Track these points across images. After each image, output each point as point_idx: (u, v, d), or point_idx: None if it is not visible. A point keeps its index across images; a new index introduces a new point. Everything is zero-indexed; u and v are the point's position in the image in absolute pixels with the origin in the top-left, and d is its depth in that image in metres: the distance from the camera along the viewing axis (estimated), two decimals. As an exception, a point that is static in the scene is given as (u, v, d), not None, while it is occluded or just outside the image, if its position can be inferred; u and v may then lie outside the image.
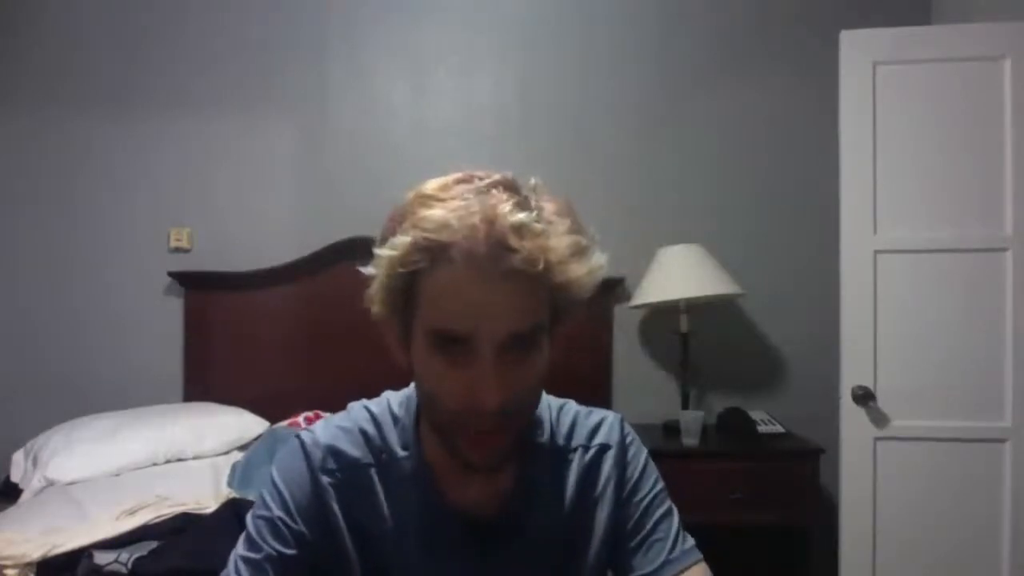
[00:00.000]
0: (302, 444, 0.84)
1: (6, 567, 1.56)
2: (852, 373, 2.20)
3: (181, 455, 2.31)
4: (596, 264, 0.72)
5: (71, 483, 2.10)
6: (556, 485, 0.86)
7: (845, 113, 2.22)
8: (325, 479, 0.81)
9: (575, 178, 2.83)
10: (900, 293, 2.18)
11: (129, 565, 1.56)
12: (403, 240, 0.69)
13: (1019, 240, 2.11)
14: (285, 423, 2.43)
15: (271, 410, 2.55)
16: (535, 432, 0.86)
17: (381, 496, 0.82)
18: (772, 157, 2.85)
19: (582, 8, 2.88)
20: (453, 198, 0.69)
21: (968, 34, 2.21)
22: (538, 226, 0.68)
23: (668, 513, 0.88)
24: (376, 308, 0.74)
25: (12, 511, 1.99)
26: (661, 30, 2.87)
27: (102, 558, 1.59)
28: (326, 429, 0.85)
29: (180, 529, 1.75)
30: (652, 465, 0.91)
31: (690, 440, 2.44)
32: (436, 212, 0.68)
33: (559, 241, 0.69)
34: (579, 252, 0.71)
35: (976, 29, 2.23)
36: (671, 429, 2.56)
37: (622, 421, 0.92)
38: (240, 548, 0.81)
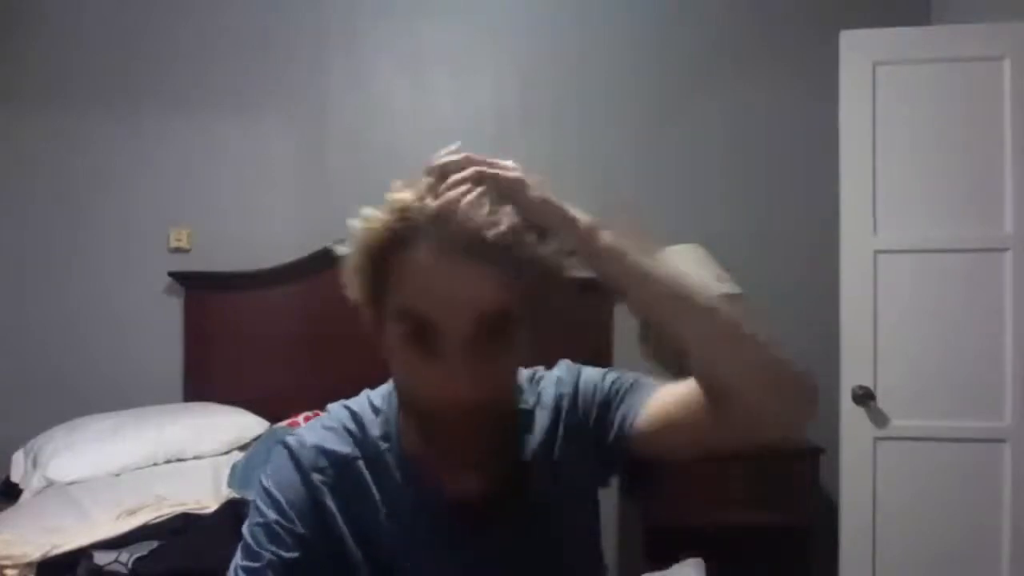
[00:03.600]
0: (288, 448, 0.83)
1: (6, 567, 1.56)
2: (852, 373, 2.20)
3: (181, 455, 2.31)
4: (563, 249, 0.73)
5: (71, 483, 2.10)
6: (532, 451, 0.85)
7: (845, 113, 2.22)
8: (317, 477, 0.80)
9: (575, 178, 2.82)
10: (900, 293, 2.18)
11: (129, 565, 1.57)
12: (376, 215, 0.71)
13: (1019, 240, 2.12)
14: (285, 423, 2.43)
15: (271, 410, 2.54)
16: (520, 400, 0.87)
17: (373, 488, 0.81)
18: (772, 157, 2.84)
19: (582, 8, 2.87)
20: (428, 185, 0.72)
21: (968, 34, 2.22)
22: (508, 207, 0.70)
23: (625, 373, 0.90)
24: (351, 290, 0.76)
25: (12, 511, 1.99)
26: (660, 31, 2.87)
27: (102, 558, 1.59)
28: (311, 431, 0.85)
29: (180, 529, 1.75)
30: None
31: (690, 440, 2.43)
32: (410, 194, 0.71)
33: (527, 221, 0.71)
34: (545, 232, 0.72)
35: (976, 29, 2.23)
36: (671, 429, 2.55)
37: (571, 364, 0.93)
38: (239, 559, 0.79)
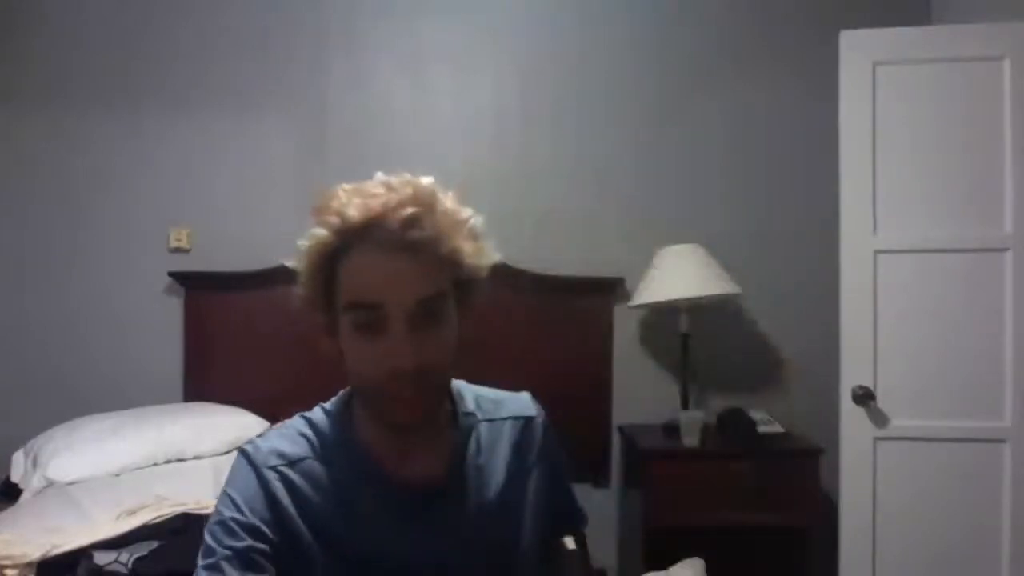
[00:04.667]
0: (245, 453, 0.90)
1: (6, 567, 1.56)
2: (852, 373, 2.20)
3: (181, 455, 2.31)
4: (485, 246, 0.88)
5: (71, 483, 2.10)
6: (490, 451, 0.96)
7: (845, 113, 2.22)
8: (271, 475, 0.87)
9: (575, 178, 2.83)
10: (900, 293, 2.18)
11: (129, 565, 1.57)
12: (321, 231, 0.83)
13: (1019, 240, 2.12)
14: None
15: (271, 410, 2.54)
16: (460, 405, 0.97)
17: (326, 482, 0.88)
18: (772, 157, 2.84)
19: (582, 8, 2.87)
20: (365, 192, 0.83)
21: (968, 34, 2.22)
22: (439, 210, 0.84)
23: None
24: (304, 298, 0.87)
25: (12, 511, 2.00)
26: (660, 31, 2.87)
27: (102, 558, 1.59)
28: (266, 437, 0.93)
29: (180, 529, 1.75)
30: None
31: (690, 440, 2.44)
32: (351, 200, 0.82)
33: (452, 221, 0.85)
34: (468, 230, 0.86)
35: (976, 29, 2.23)
36: (671, 429, 2.56)
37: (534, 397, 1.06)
38: (199, 560, 0.83)
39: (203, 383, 2.72)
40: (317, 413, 0.95)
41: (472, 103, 2.86)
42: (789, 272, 2.78)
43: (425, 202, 0.83)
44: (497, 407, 1.00)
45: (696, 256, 2.57)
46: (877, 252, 2.19)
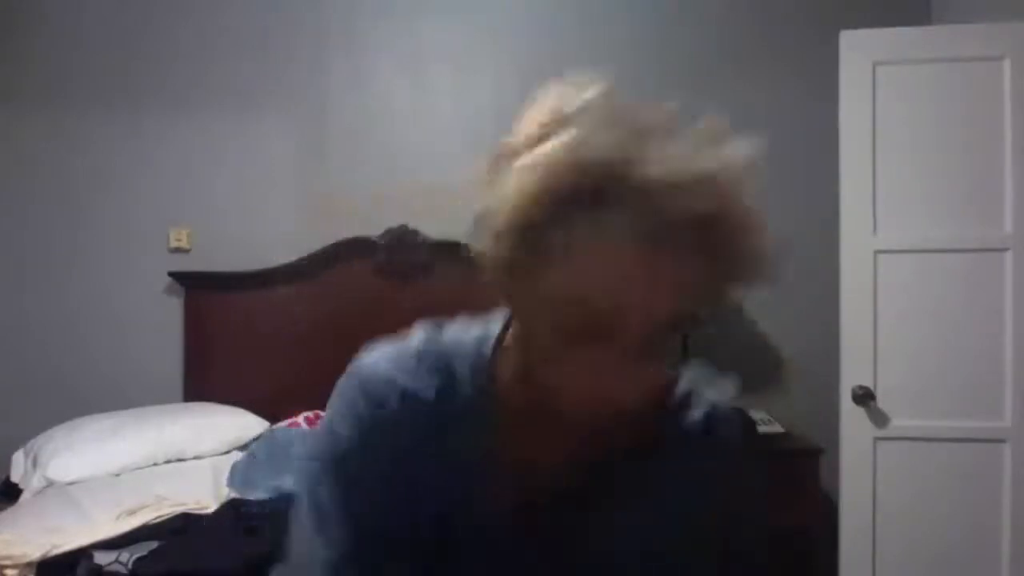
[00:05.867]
0: (358, 377, 0.71)
1: (6, 567, 1.56)
2: (852, 373, 2.20)
3: (181, 455, 2.31)
4: (768, 242, 0.57)
5: (71, 483, 2.10)
6: (659, 495, 0.68)
7: (845, 113, 2.22)
8: (378, 411, 0.68)
9: (575, 178, 2.83)
10: (900, 293, 2.18)
11: (129, 565, 1.57)
12: (559, 163, 0.52)
13: (1019, 240, 2.11)
14: (285, 423, 2.43)
15: (271, 410, 2.54)
16: (665, 419, 0.70)
17: (434, 435, 0.67)
18: (772, 157, 2.81)
19: (582, 8, 2.87)
20: (650, 134, 0.56)
21: (968, 34, 2.22)
22: (741, 201, 0.55)
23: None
24: (490, 253, 0.57)
25: (12, 511, 1.99)
26: (660, 31, 2.87)
27: (102, 558, 1.59)
28: (393, 355, 0.71)
29: (180, 529, 1.75)
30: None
31: (690, 440, 2.44)
32: (608, 134, 0.53)
33: (750, 222, 0.56)
34: (760, 237, 0.57)
35: (976, 29, 2.23)
36: (671, 429, 2.55)
37: (748, 420, 0.78)
38: (314, 469, 0.70)
39: (203, 383, 2.72)
40: (465, 342, 0.69)
41: (472, 103, 2.86)
42: (789, 272, 2.78)
43: (730, 187, 0.55)
44: (714, 446, 0.71)
45: (696, 256, 2.56)
46: (877, 252, 2.19)
